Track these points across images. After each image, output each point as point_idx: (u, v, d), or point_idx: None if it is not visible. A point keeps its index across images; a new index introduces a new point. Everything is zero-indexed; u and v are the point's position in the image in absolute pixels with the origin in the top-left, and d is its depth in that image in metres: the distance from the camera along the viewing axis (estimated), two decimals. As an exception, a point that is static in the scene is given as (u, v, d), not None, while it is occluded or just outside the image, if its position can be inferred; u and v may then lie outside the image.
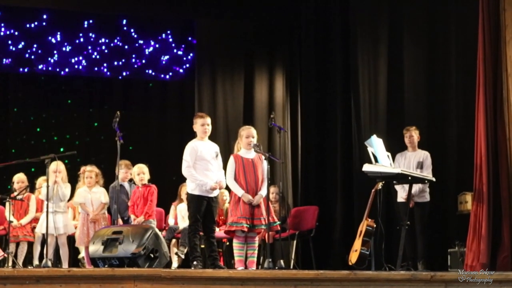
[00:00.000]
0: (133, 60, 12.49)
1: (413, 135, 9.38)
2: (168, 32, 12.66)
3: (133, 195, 9.32)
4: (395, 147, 9.46)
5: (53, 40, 12.16)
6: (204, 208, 8.05)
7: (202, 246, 8.34)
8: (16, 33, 12.01)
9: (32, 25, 12.06)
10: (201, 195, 8.07)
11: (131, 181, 9.55)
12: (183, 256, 9.64)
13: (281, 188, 10.00)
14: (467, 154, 8.92)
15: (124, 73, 12.52)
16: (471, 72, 8.69)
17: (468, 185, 8.67)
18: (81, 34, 12.28)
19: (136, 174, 9.37)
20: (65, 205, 9.32)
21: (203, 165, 8.15)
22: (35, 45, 12.10)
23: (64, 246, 9.19)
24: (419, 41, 10.52)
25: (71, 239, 9.70)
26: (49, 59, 12.17)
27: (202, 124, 8.27)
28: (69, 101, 12.66)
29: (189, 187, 8.16)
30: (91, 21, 12.29)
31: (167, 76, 12.67)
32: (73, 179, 9.81)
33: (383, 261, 8.19)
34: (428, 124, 10.17)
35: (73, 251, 9.76)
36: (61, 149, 12.00)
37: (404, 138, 9.43)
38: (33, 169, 10.55)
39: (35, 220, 9.66)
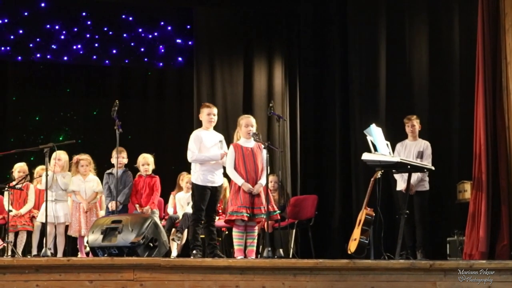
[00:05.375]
0: (132, 48, 12.45)
1: (414, 124, 9.36)
2: (167, 20, 12.61)
3: (136, 184, 9.35)
4: (395, 136, 9.45)
5: (52, 28, 12.12)
6: (207, 198, 8.09)
7: (202, 236, 8.35)
8: (15, 21, 11.97)
9: (31, 13, 12.02)
10: (205, 185, 8.11)
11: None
12: (178, 242, 9.65)
13: (280, 177, 9.99)
14: (467, 143, 8.90)
15: (122, 62, 12.48)
16: (473, 60, 8.64)
17: (468, 174, 8.66)
18: (79, 22, 12.23)
19: (140, 164, 9.39)
20: (66, 194, 9.34)
21: (206, 153, 8.17)
22: (34, 33, 12.07)
23: (61, 235, 9.20)
24: (420, 27, 10.48)
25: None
26: (48, 47, 12.13)
27: (208, 114, 8.29)
28: (68, 89, 12.64)
29: (193, 177, 8.20)
30: (89, 9, 12.24)
31: (166, 65, 12.64)
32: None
33: (382, 250, 8.18)
34: (428, 113, 10.15)
35: (70, 240, 9.75)
36: (60, 138, 12.00)
37: (405, 127, 9.40)
38: (32, 158, 10.56)
39: (35, 208, 9.66)
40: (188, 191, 9.89)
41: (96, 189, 9.36)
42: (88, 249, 8.26)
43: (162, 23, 12.59)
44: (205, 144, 8.18)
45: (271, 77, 12.25)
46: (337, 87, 11.54)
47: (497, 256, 7.89)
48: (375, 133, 8.30)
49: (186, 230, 9.72)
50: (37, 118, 12.34)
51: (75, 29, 12.25)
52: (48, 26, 12.12)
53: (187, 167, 8.84)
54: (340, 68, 11.52)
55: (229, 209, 8.04)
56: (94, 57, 12.36)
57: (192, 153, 8.16)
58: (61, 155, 9.16)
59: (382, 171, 8.30)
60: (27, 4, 12.01)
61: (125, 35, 12.43)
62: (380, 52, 10.83)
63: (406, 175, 8.73)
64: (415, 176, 8.98)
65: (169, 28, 12.60)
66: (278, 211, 8.21)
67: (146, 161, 9.38)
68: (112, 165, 9.15)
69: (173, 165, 11.03)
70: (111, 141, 8.71)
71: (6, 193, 9.22)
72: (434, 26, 10.34)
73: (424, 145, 9.28)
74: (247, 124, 8.20)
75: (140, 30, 12.49)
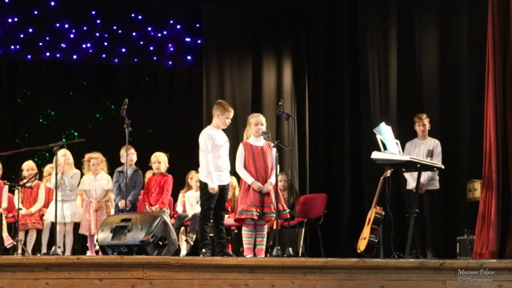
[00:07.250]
0: (141, 47, 12.46)
1: (425, 123, 9.31)
2: (176, 18, 12.60)
3: (149, 183, 9.35)
4: (405, 134, 9.42)
5: (61, 27, 12.13)
6: (216, 196, 8.04)
7: (211, 234, 8.33)
8: (25, 19, 11.98)
9: (41, 12, 12.03)
10: None
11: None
12: (192, 243, 9.65)
13: (289, 175, 9.99)
14: (477, 141, 8.88)
15: (132, 60, 12.49)
16: (483, 59, 8.60)
17: (478, 172, 8.63)
18: (89, 21, 12.24)
19: (153, 163, 9.39)
20: (74, 193, 9.35)
21: (215, 152, 8.13)
22: (43, 32, 12.08)
23: (69, 234, 9.24)
24: (430, 26, 10.44)
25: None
26: (57, 46, 12.14)
27: (228, 117, 8.14)
28: (77, 88, 12.65)
29: (202, 175, 8.09)
30: (99, 8, 12.25)
31: (175, 63, 12.64)
32: (81, 167, 9.83)
33: (392, 248, 8.16)
34: (438, 112, 10.12)
35: (80, 238, 9.77)
36: (70, 136, 12.02)
37: (415, 126, 9.35)
38: (41, 158, 10.58)
39: (45, 207, 9.68)
40: (197, 189, 9.84)
41: (106, 187, 9.39)
42: (97, 247, 8.28)
43: (171, 21, 12.57)
44: (217, 144, 8.09)
45: (280, 76, 12.23)
46: (346, 85, 11.51)
47: (507, 255, 7.86)
48: (384, 132, 8.26)
49: (195, 230, 9.73)
50: (46, 117, 12.36)
51: (85, 28, 12.24)
52: (57, 25, 12.12)
53: (196, 166, 8.85)
54: (350, 66, 11.49)
55: (239, 207, 8.04)
56: (103, 56, 12.37)
57: (205, 153, 7.99)
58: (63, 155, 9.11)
59: (392, 170, 8.27)
60: (37, 3, 12.02)
61: (134, 33, 12.43)
62: (390, 50, 10.80)
63: (416, 173, 8.70)
64: (425, 175, 8.95)
65: (178, 26, 12.59)
66: (288, 210, 8.21)
67: (158, 159, 9.36)
68: (123, 164, 9.17)
69: (182, 163, 11.02)
70: (120, 140, 8.72)
71: (16, 191, 9.25)
72: (444, 26, 10.29)
73: (434, 143, 9.25)
74: (257, 122, 8.19)
75: (149, 28, 12.49)
